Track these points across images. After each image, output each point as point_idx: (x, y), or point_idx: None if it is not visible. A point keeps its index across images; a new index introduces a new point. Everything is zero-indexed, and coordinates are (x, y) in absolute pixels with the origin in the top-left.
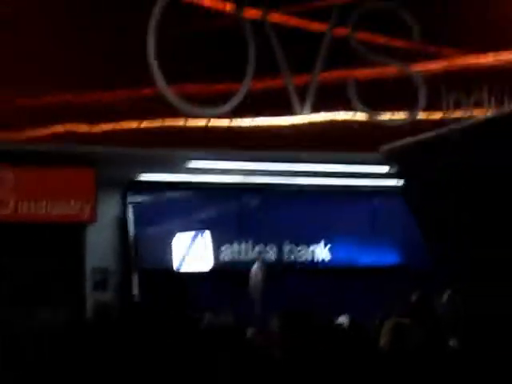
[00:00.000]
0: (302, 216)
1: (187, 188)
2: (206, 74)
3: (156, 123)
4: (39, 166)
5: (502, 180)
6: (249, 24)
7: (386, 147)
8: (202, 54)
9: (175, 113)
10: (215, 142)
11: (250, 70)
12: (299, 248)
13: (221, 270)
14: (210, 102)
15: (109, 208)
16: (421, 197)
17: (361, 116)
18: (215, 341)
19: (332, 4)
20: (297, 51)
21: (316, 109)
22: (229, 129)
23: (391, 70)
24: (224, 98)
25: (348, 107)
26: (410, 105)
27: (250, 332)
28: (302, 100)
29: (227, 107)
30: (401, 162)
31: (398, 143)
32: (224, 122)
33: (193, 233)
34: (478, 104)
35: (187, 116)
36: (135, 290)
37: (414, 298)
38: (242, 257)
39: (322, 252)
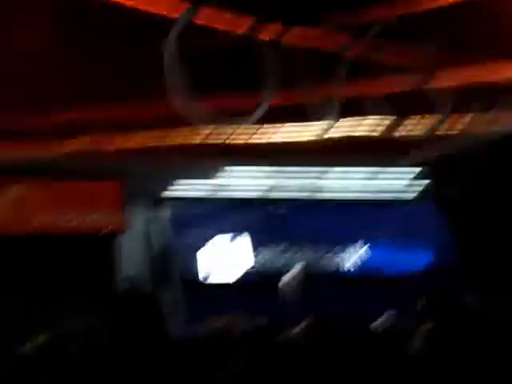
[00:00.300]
0: (332, 223)
1: (215, 200)
2: (227, 88)
3: (178, 139)
4: (68, 179)
5: None
6: (266, 41)
7: (412, 155)
8: (221, 68)
9: (197, 127)
10: (240, 155)
11: (271, 84)
12: (331, 254)
13: (252, 275)
14: (231, 116)
15: (138, 220)
16: (454, 203)
17: (384, 127)
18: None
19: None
20: (318, 64)
21: (339, 121)
22: (251, 143)
23: (414, 80)
24: (246, 112)
25: (371, 119)
26: (433, 115)
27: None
28: (325, 113)
29: (249, 120)
30: (429, 169)
31: (425, 152)
32: (246, 136)
33: (228, 238)
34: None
35: (209, 130)
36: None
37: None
38: (274, 263)
39: (353, 258)
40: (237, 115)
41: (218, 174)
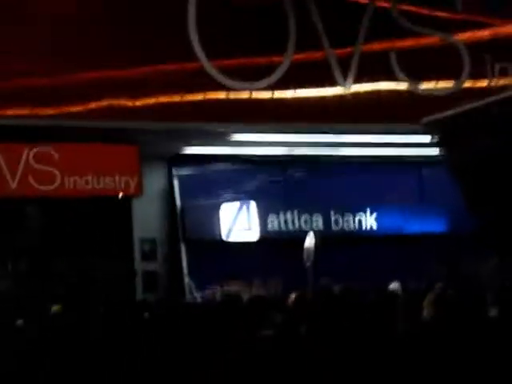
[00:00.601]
0: (348, 185)
1: (231, 160)
2: (248, 47)
3: (198, 97)
4: (84, 142)
5: None
6: None
7: (427, 119)
8: (243, 27)
9: (218, 86)
10: (258, 114)
11: (292, 42)
12: (346, 217)
13: (268, 239)
14: (252, 76)
15: (154, 181)
16: (463, 166)
17: (404, 86)
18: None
19: None
20: (339, 23)
21: (358, 80)
22: (271, 101)
23: (435, 39)
24: (266, 71)
25: (391, 78)
26: (454, 75)
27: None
28: (345, 71)
29: (270, 80)
30: (442, 134)
31: (439, 115)
32: (267, 95)
33: (238, 203)
34: None
35: (230, 89)
36: (183, 261)
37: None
38: (289, 226)
39: (368, 220)
40: (258, 74)
41: (234, 135)
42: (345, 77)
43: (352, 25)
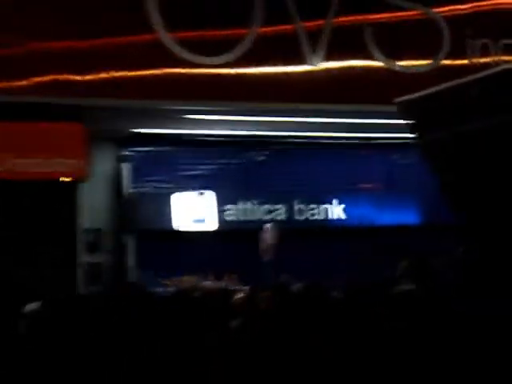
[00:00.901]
0: (313, 171)
1: (187, 142)
2: (210, 19)
3: (154, 72)
4: (24, 119)
5: None
6: None
7: (400, 99)
8: None
9: (175, 61)
10: (219, 92)
11: (258, 14)
12: (311, 206)
13: (226, 230)
14: (213, 50)
15: (102, 165)
16: (437, 151)
17: (379, 64)
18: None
19: None
20: None
21: (329, 57)
22: (233, 78)
23: (412, 13)
24: (229, 45)
25: (365, 54)
26: (432, 51)
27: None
28: (314, 47)
29: (232, 55)
30: (416, 116)
31: (413, 95)
32: (228, 71)
33: (193, 190)
34: (508, 50)
35: (189, 65)
36: (130, 253)
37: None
38: (249, 216)
39: (335, 211)
40: (219, 48)
41: (190, 115)
42: (314, 53)
43: None
